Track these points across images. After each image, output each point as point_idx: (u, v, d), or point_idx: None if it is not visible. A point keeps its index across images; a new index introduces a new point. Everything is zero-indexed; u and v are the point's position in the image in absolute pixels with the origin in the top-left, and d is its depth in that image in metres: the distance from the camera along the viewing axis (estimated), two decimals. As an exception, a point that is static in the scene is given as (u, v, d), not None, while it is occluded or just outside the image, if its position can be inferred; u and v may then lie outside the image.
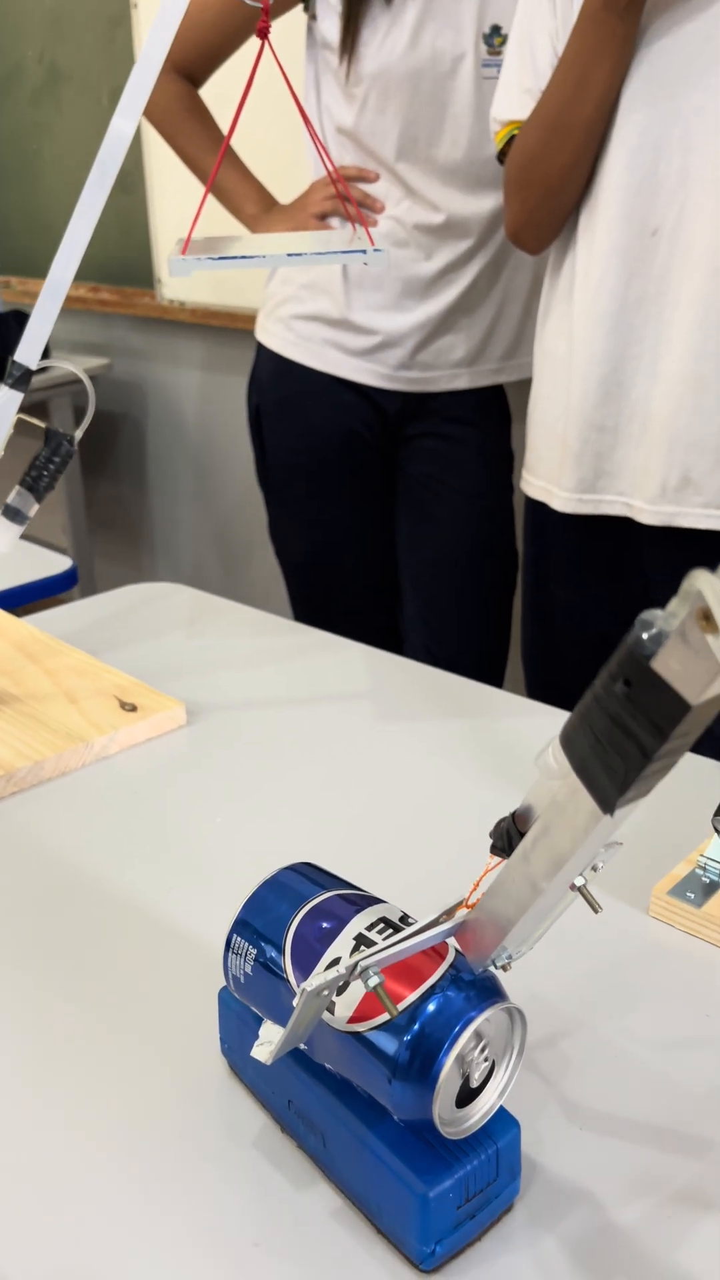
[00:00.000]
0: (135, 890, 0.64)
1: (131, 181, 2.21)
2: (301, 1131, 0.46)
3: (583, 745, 0.30)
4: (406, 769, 0.77)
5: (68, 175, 2.40)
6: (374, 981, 0.37)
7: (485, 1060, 0.41)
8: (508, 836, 0.36)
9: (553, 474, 1.11)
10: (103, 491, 2.71)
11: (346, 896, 0.45)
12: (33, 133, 2.45)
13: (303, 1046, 0.44)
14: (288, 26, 1.27)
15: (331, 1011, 0.41)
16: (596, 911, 0.41)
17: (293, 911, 0.45)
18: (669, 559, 1.06)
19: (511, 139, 1.06)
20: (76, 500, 2.40)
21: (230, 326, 2.16)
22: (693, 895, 0.60)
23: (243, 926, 0.46)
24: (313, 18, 1.28)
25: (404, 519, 1.46)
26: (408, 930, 0.39)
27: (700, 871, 0.62)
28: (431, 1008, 0.39)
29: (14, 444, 0.80)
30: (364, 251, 0.72)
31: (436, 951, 0.41)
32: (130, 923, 0.61)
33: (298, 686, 0.89)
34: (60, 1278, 0.41)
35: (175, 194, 2.15)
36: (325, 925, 0.44)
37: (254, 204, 1.41)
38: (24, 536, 0.85)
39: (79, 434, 0.80)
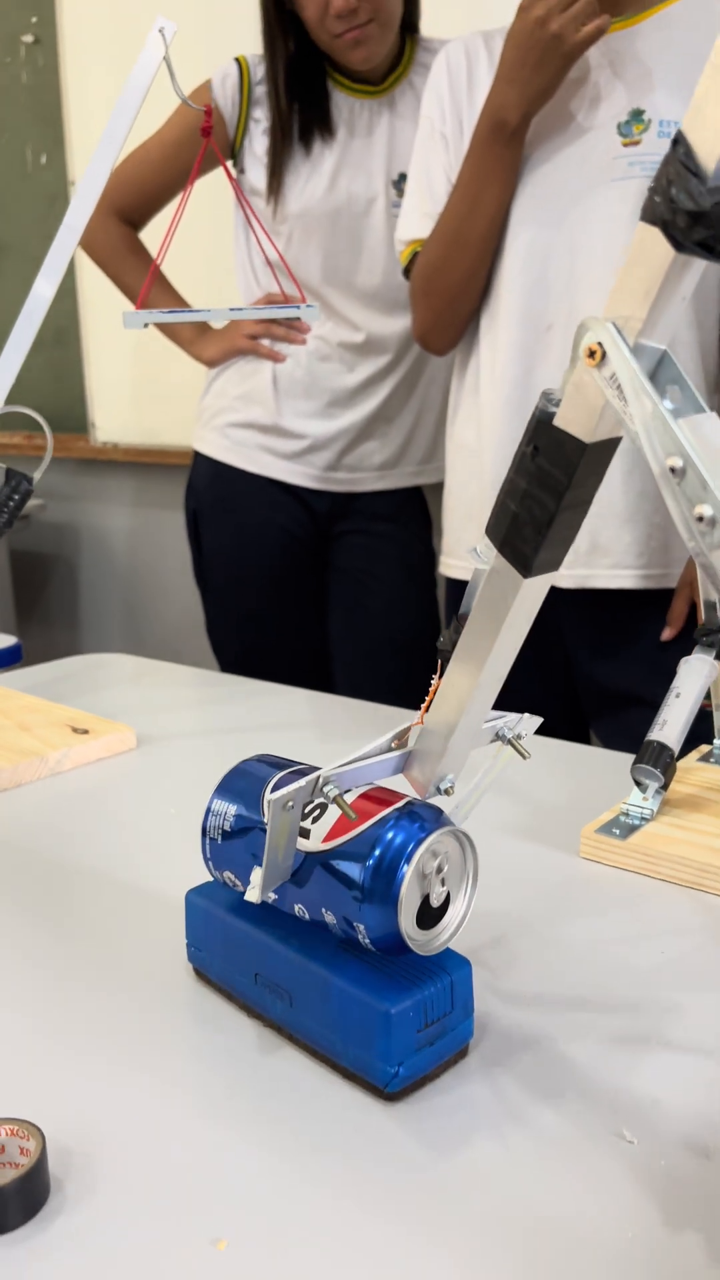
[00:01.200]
0: (98, 865, 0.66)
1: (67, 337, 2.36)
2: (268, 1002, 0.49)
3: (503, 524, 0.37)
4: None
5: (5, 337, 2.55)
6: (332, 791, 0.42)
7: (443, 884, 0.45)
8: (454, 635, 0.42)
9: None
10: (34, 635, 2.75)
11: (313, 767, 0.50)
12: (-26, 298, 2.62)
13: (271, 897, 0.48)
14: (216, 178, 1.44)
15: (307, 837, 0.45)
16: (525, 758, 0.47)
17: (268, 775, 0.49)
18: (583, 617, 1.15)
19: (415, 256, 1.21)
20: (6, 607, 2.43)
21: (161, 463, 2.28)
22: (617, 832, 0.65)
23: (223, 790, 0.50)
24: (240, 170, 1.45)
25: (335, 611, 1.54)
26: (364, 750, 0.44)
27: (624, 816, 0.67)
28: (389, 835, 0.44)
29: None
30: (298, 307, 0.82)
31: (391, 796, 0.46)
32: (97, 887, 0.64)
33: (241, 720, 0.94)
34: (83, 1125, 0.43)
35: (108, 346, 2.30)
36: (296, 775, 0.48)
37: (190, 330, 1.54)
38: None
39: (37, 475, 0.87)
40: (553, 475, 0.35)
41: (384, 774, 0.46)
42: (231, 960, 0.51)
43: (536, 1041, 0.48)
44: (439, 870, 0.45)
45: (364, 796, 0.46)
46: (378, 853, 0.44)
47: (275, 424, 1.47)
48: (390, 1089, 0.44)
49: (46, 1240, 0.38)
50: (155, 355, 1.51)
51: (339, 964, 0.46)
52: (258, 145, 1.42)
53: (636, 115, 1.06)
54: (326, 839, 0.44)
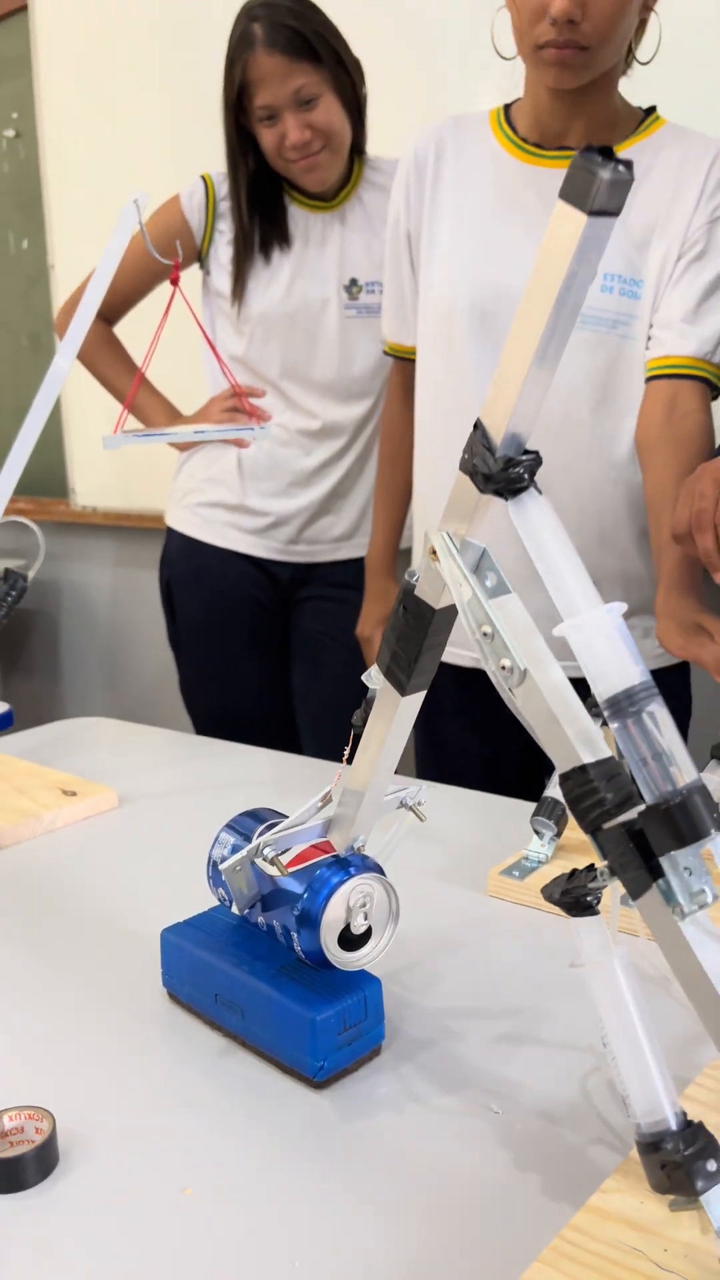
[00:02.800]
0: (87, 908, 0.80)
1: (40, 343, 2.52)
2: (226, 1017, 0.62)
3: (385, 658, 0.52)
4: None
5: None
6: (269, 853, 0.56)
7: (365, 918, 0.59)
8: (363, 714, 0.56)
9: None
10: (17, 688, 2.88)
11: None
12: (-42, 370, 2.77)
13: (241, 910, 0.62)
14: (186, 277, 1.60)
15: (274, 865, 0.58)
16: (422, 820, 0.61)
17: (256, 826, 0.64)
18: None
19: (390, 353, 1.35)
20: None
21: (138, 526, 2.43)
22: (517, 874, 0.80)
23: (229, 828, 0.64)
24: (207, 273, 1.60)
25: (297, 670, 1.68)
26: (297, 815, 0.58)
27: (525, 860, 0.82)
28: (323, 873, 0.58)
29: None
30: (251, 429, 0.97)
31: (325, 848, 0.60)
32: (87, 926, 0.77)
33: (210, 779, 1.08)
34: (83, 1111, 0.56)
35: (88, 415, 2.45)
36: (272, 826, 0.63)
37: (163, 416, 1.68)
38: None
39: (31, 574, 1.01)
40: (415, 628, 0.49)
41: (310, 838, 0.60)
42: (197, 985, 0.64)
43: (435, 1042, 0.62)
44: (362, 905, 0.59)
45: (314, 846, 0.60)
46: (313, 885, 0.58)
47: (241, 503, 1.62)
48: (318, 1079, 0.58)
49: (56, 1193, 0.51)
50: (155, 376, 1.66)
51: (278, 984, 0.60)
52: (222, 254, 1.57)
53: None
54: (289, 865, 0.58)
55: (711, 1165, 0.42)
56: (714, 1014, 0.40)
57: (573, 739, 0.42)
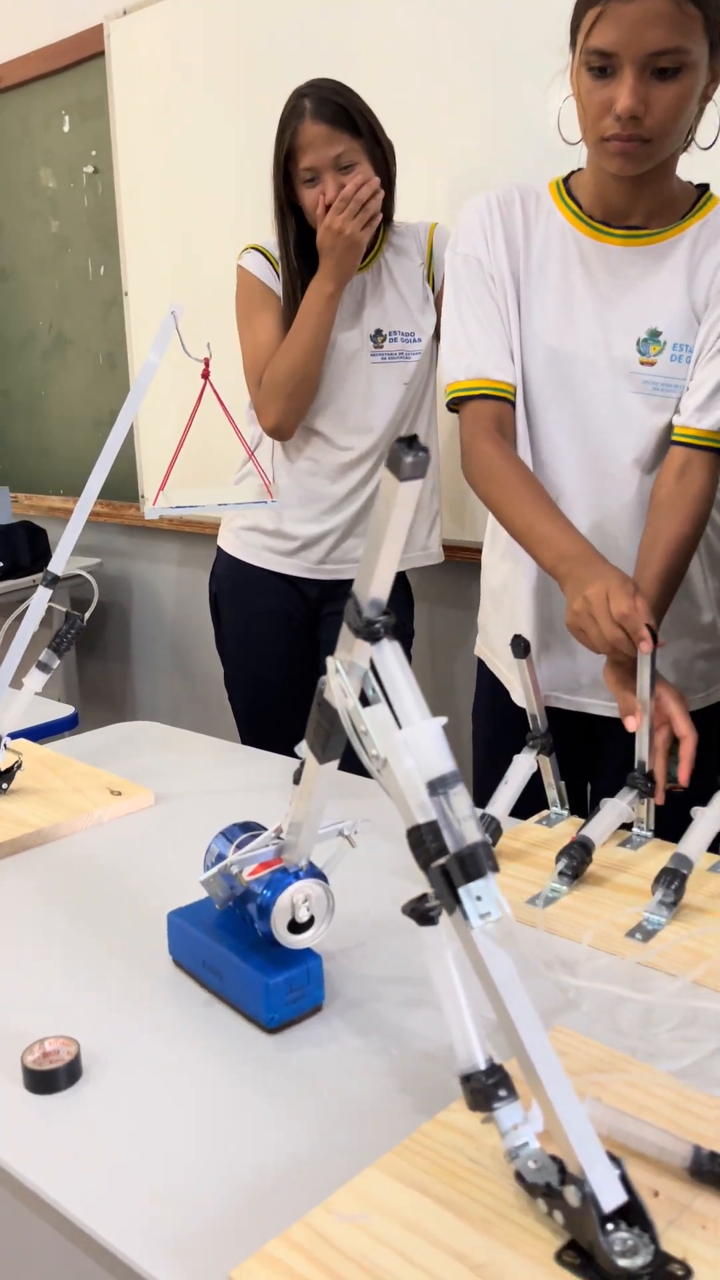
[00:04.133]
0: (118, 891, 1.03)
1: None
2: (210, 977, 0.85)
3: (310, 734, 0.73)
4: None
5: (68, 414, 2.96)
6: (235, 870, 0.78)
7: (308, 911, 0.80)
8: (309, 740, 0.77)
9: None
10: (93, 670, 3.15)
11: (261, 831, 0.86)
12: (41, 381, 3.03)
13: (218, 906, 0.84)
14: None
15: (242, 882, 0.80)
16: (354, 848, 0.82)
17: (243, 833, 0.86)
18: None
19: (457, 394, 1.32)
20: (71, 677, 2.83)
21: (199, 533, 2.66)
22: (541, 904, 1.00)
23: (219, 837, 0.87)
24: None
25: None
26: (252, 845, 0.80)
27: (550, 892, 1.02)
28: (275, 878, 0.80)
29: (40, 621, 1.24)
30: (265, 502, 1.19)
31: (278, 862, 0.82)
32: (121, 904, 1.00)
33: (235, 783, 1.30)
34: (103, 1040, 0.78)
35: (156, 430, 2.68)
36: (250, 839, 0.84)
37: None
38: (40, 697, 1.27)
39: (87, 615, 1.24)
40: (326, 719, 0.70)
41: (268, 857, 0.81)
42: (191, 954, 0.87)
43: (363, 1002, 0.83)
44: (305, 901, 0.80)
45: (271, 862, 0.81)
46: (269, 886, 0.79)
47: (277, 528, 1.84)
48: (270, 1026, 0.80)
49: (79, 1096, 0.74)
50: (193, 440, 1.85)
51: (246, 956, 0.81)
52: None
53: (653, 335, 1.25)
54: (250, 874, 0.80)
55: (503, 1092, 0.63)
56: (491, 990, 0.60)
57: (413, 807, 0.62)
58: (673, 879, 0.91)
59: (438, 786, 0.61)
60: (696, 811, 0.98)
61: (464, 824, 0.61)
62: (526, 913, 0.95)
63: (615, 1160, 0.57)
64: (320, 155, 1.64)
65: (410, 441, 0.56)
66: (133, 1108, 0.73)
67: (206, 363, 1.20)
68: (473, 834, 0.61)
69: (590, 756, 1.43)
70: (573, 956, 0.89)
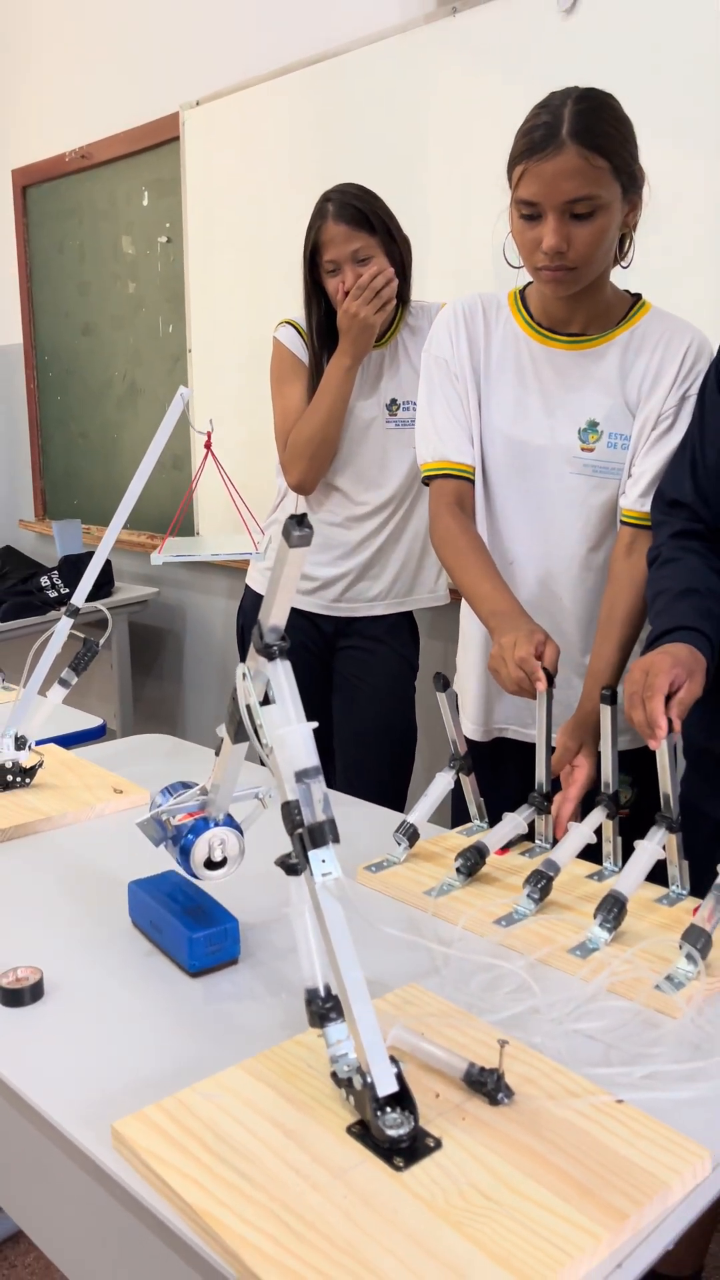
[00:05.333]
0: (104, 867, 1.26)
1: (181, 463, 3.03)
2: (154, 933, 1.07)
3: (227, 719, 0.95)
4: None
5: (137, 456, 3.25)
6: (166, 817, 1.01)
7: (222, 853, 1.02)
8: (228, 727, 0.99)
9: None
10: (149, 690, 3.43)
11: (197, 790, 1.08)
12: (115, 426, 3.34)
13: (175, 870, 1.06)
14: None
15: (174, 818, 1.03)
16: (265, 807, 1.04)
17: (183, 789, 1.08)
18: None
19: (426, 473, 1.54)
20: (126, 696, 3.11)
21: (244, 569, 2.91)
22: (373, 869, 1.21)
23: (163, 791, 1.09)
24: None
25: (336, 704, 2.12)
26: (182, 797, 1.02)
27: (384, 863, 1.23)
28: (197, 824, 1.02)
29: (68, 645, 1.49)
30: (250, 553, 1.42)
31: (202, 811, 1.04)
32: (107, 875, 1.23)
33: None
34: (63, 970, 1.01)
35: (211, 471, 2.94)
36: (180, 789, 1.07)
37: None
38: (75, 706, 1.52)
39: (102, 641, 1.48)
40: (235, 710, 0.92)
41: (194, 809, 1.03)
42: (141, 914, 1.09)
43: (270, 961, 1.04)
44: (220, 845, 1.02)
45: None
46: (192, 831, 1.02)
47: (297, 570, 2.07)
48: (191, 971, 1.01)
49: (42, 1010, 0.97)
50: (243, 484, 2.09)
51: (180, 917, 1.03)
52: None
53: (592, 425, 1.45)
54: (180, 820, 1.02)
55: (334, 1014, 0.83)
56: (323, 929, 0.81)
57: (285, 787, 0.83)
58: (540, 877, 1.11)
59: (301, 776, 0.82)
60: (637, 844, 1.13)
61: (317, 805, 0.81)
62: (422, 900, 1.15)
63: (395, 1062, 0.78)
64: (340, 250, 1.88)
65: (300, 520, 0.78)
66: (78, 1021, 0.95)
67: (209, 436, 1.44)
68: (320, 814, 0.81)
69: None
70: (450, 936, 1.09)
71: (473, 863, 1.17)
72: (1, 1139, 0.92)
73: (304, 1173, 0.74)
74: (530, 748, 1.58)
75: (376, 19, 2.35)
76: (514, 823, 1.23)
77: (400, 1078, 0.77)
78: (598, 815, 1.19)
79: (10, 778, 1.46)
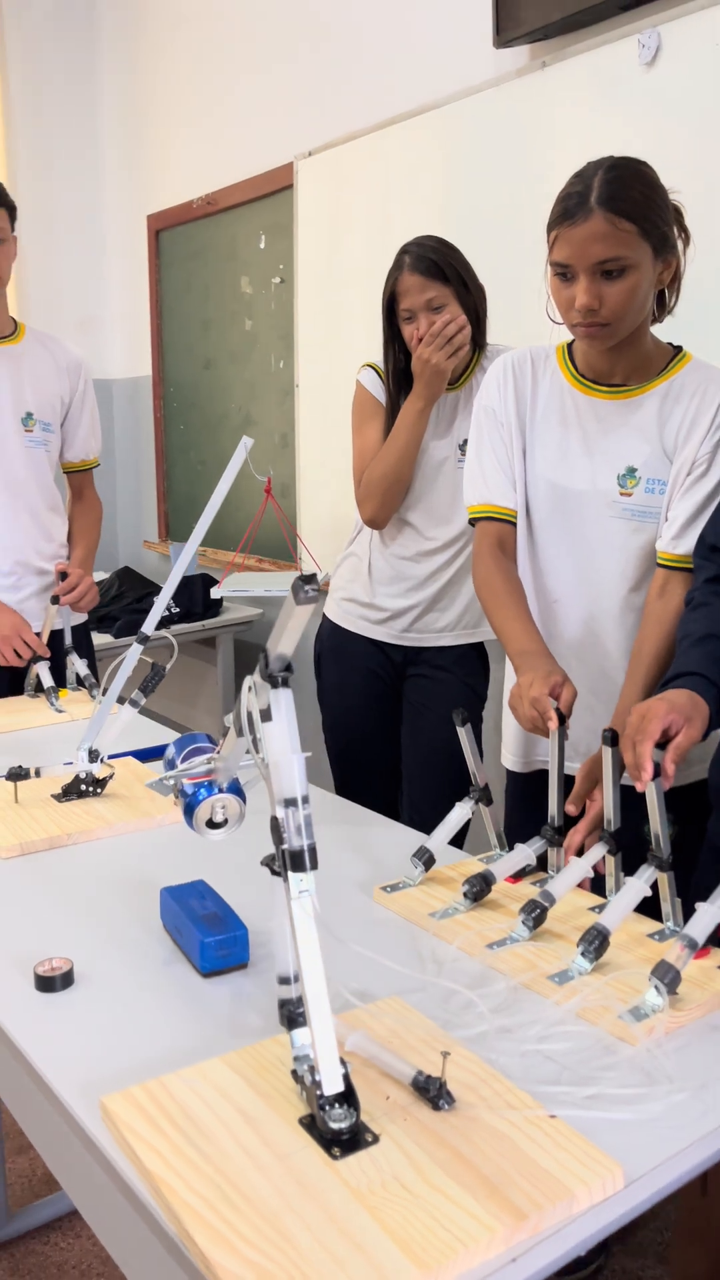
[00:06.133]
0: (154, 872, 1.39)
1: (289, 492, 3.18)
2: (177, 937, 1.19)
3: (234, 714, 1.06)
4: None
5: (249, 483, 3.42)
6: (171, 783, 1.13)
7: (223, 814, 1.13)
8: (223, 728, 1.10)
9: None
10: (255, 705, 3.59)
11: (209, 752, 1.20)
12: (230, 456, 3.52)
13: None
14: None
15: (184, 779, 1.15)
16: (262, 770, 1.15)
17: (187, 745, 1.20)
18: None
19: (472, 516, 1.67)
20: (230, 705, 3.27)
21: (343, 593, 3.04)
22: (389, 889, 1.30)
23: (175, 743, 1.21)
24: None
25: (404, 731, 2.21)
26: (194, 761, 1.14)
27: (400, 884, 1.32)
28: (204, 786, 1.13)
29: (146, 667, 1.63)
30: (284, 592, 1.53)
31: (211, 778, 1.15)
32: (149, 880, 1.36)
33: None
34: (93, 963, 1.14)
35: (315, 500, 3.09)
36: (196, 753, 1.19)
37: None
38: (183, 720, 1.66)
39: (169, 666, 1.62)
40: (250, 702, 1.03)
41: (202, 774, 1.15)
42: (169, 919, 1.21)
43: (272, 968, 1.15)
44: (222, 808, 1.13)
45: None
46: (197, 793, 1.13)
47: (371, 602, 2.18)
48: (203, 972, 1.13)
49: (72, 996, 1.10)
50: (346, 514, 2.20)
51: (196, 922, 1.15)
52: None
53: (630, 471, 1.53)
54: (190, 780, 1.14)
55: (302, 1020, 0.93)
56: (294, 939, 0.91)
57: (275, 807, 0.92)
58: (535, 906, 1.18)
59: (288, 803, 0.90)
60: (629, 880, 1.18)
61: (299, 832, 0.89)
62: (426, 920, 1.23)
63: (344, 1064, 0.87)
64: (415, 299, 1.99)
65: (308, 579, 0.89)
66: (99, 1008, 1.08)
67: (269, 481, 1.56)
68: (300, 841, 0.89)
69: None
70: (444, 956, 1.17)
71: (478, 889, 1.25)
72: (35, 1116, 1.05)
73: (252, 1153, 0.84)
74: (570, 780, 1.64)
75: (473, 73, 2.45)
76: (524, 853, 1.30)
77: (347, 1078, 0.87)
78: (598, 850, 1.25)
79: (84, 787, 1.61)
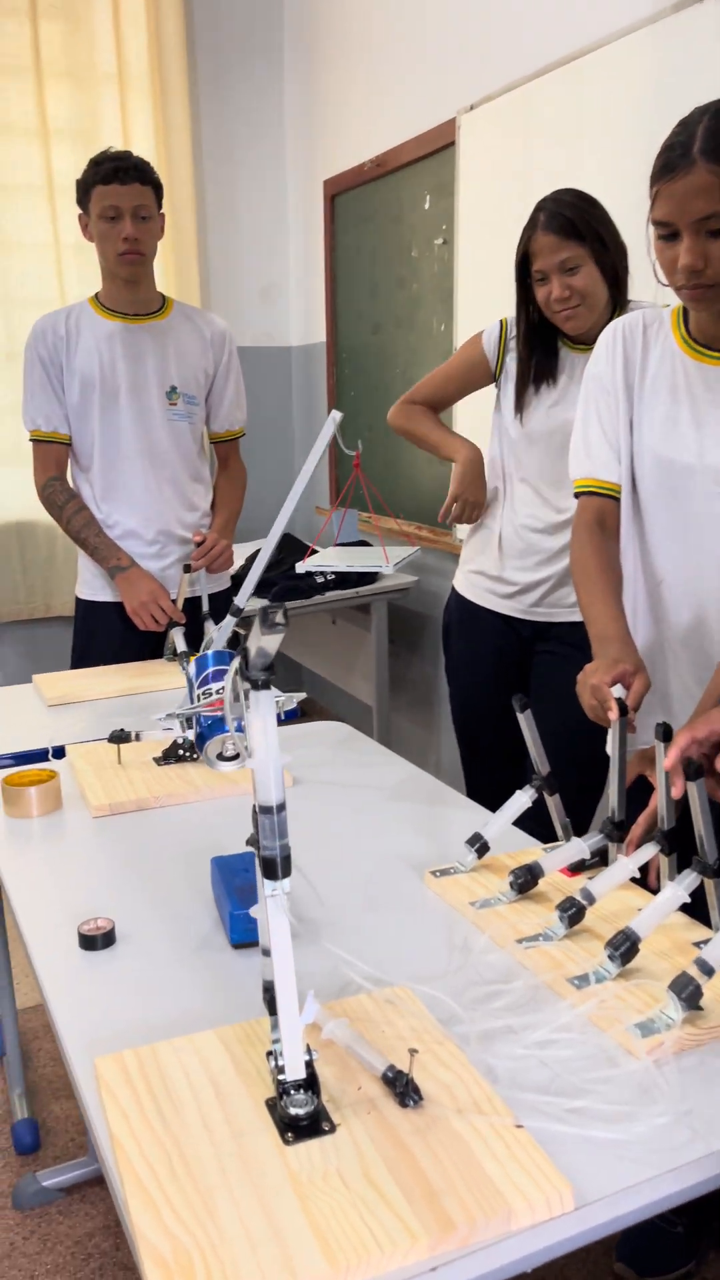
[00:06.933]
0: (217, 837, 1.43)
1: (446, 458, 3.15)
2: (222, 911, 1.22)
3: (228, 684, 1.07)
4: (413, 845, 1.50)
5: (412, 450, 3.41)
6: (175, 713, 1.16)
7: (234, 749, 1.15)
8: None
9: None
10: (413, 670, 3.60)
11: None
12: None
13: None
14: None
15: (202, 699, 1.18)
16: (295, 708, 1.15)
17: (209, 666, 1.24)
18: None
19: (580, 490, 1.57)
20: (383, 676, 3.29)
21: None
22: (439, 874, 1.28)
23: (194, 664, 1.25)
24: (498, 391, 2.11)
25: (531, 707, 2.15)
26: (211, 698, 1.17)
27: (452, 869, 1.29)
28: (210, 722, 1.16)
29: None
30: (380, 566, 1.52)
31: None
32: (206, 844, 1.40)
33: (366, 781, 1.65)
34: (135, 923, 1.20)
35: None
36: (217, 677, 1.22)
37: (463, 451, 2.25)
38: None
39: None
40: (237, 683, 1.05)
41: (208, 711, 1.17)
42: (216, 888, 1.25)
43: (304, 944, 1.16)
44: (234, 744, 1.16)
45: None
46: (212, 724, 1.16)
47: (499, 575, 2.13)
48: (233, 943, 1.16)
49: (112, 954, 1.16)
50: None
51: (230, 894, 1.18)
52: (510, 379, 2.08)
53: None
54: (211, 705, 1.17)
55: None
56: (266, 933, 0.91)
57: (257, 806, 0.94)
58: (572, 904, 1.13)
59: (264, 810, 0.89)
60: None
61: (277, 842, 0.88)
62: (466, 908, 1.21)
63: (309, 1052, 0.87)
64: (548, 261, 1.91)
65: (274, 610, 0.88)
66: (132, 971, 1.13)
67: (358, 456, 1.55)
68: (274, 850, 0.88)
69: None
70: (477, 946, 1.15)
71: (523, 880, 1.21)
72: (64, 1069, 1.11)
73: (211, 1128, 0.86)
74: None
75: (627, 12, 2.31)
76: (578, 847, 1.25)
77: (310, 1066, 0.87)
78: (649, 850, 1.18)
79: (181, 752, 1.67)
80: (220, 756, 1.18)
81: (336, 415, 1.54)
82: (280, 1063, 0.87)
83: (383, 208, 3.47)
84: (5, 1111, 2.12)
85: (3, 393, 3.64)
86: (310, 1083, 0.87)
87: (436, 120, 3.06)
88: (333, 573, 3.21)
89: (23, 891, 1.31)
